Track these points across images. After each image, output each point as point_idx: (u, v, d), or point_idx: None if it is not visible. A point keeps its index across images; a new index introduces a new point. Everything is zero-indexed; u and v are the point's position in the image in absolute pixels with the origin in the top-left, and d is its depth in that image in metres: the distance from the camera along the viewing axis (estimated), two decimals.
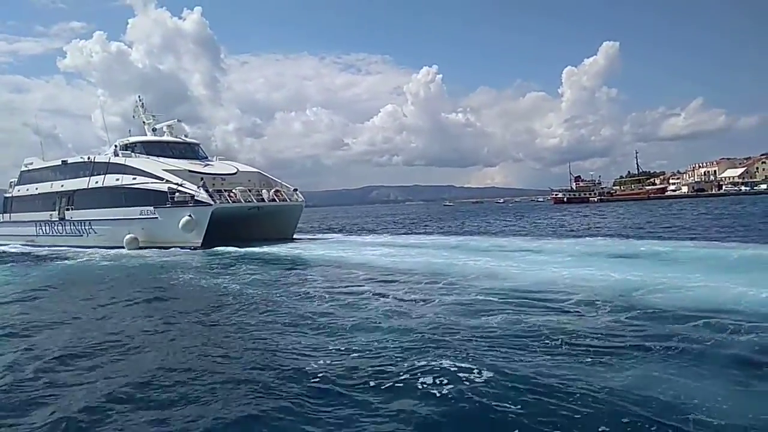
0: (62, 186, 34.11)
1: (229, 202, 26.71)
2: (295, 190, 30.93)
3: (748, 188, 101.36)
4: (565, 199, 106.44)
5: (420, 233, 34.91)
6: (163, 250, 25.33)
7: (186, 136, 34.86)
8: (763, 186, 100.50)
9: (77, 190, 32.67)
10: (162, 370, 6.95)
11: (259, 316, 10.27)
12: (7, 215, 39.89)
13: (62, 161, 35.49)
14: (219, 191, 27.42)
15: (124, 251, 26.57)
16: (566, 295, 10.36)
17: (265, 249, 23.92)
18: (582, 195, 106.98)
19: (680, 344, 6.83)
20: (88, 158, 32.89)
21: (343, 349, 7.46)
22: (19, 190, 39.04)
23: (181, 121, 35.63)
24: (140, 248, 27.18)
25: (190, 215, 25.85)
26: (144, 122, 34.97)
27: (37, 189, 36.76)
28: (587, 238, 23.49)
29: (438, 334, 7.97)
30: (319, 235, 33.79)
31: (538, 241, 22.53)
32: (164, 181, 27.25)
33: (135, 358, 7.74)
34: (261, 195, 28.90)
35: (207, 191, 26.24)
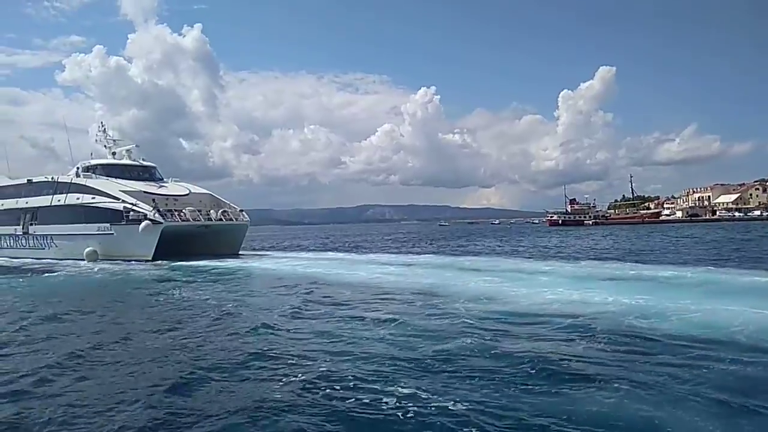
0: (27, 203, 36.42)
1: (179, 221, 29.84)
2: (241, 210, 34.33)
3: (741, 214, 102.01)
4: (560, 222, 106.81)
5: (410, 253, 35.25)
6: (122, 264, 27.81)
7: (143, 159, 38.00)
8: (757, 212, 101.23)
9: (41, 207, 35.01)
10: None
11: (207, 327, 10.99)
12: None
13: (27, 180, 37.64)
14: (170, 211, 30.43)
15: (89, 264, 28.77)
16: (556, 319, 10.36)
17: (212, 263, 26.68)
18: (577, 218, 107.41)
19: (666, 371, 6.81)
20: (52, 178, 35.60)
21: (300, 374, 7.24)
22: None
23: (139, 146, 39.15)
24: (98, 260, 29.91)
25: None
26: (105, 146, 37.85)
27: (3, 204, 38.76)
28: (584, 261, 23.94)
29: (404, 356, 7.99)
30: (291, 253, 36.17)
31: (530, 262, 22.98)
32: (120, 201, 30.25)
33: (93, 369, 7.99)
34: (209, 215, 32.11)
35: (158, 211, 29.27)
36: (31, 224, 35.77)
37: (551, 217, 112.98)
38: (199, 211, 31.93)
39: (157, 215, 28.94)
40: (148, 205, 29.72)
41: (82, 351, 8.86)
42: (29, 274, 24.56)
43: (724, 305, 10.76)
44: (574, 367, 7.21)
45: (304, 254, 34.61)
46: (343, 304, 13.19)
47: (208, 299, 14.90)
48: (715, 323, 9.33)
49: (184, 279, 20.82)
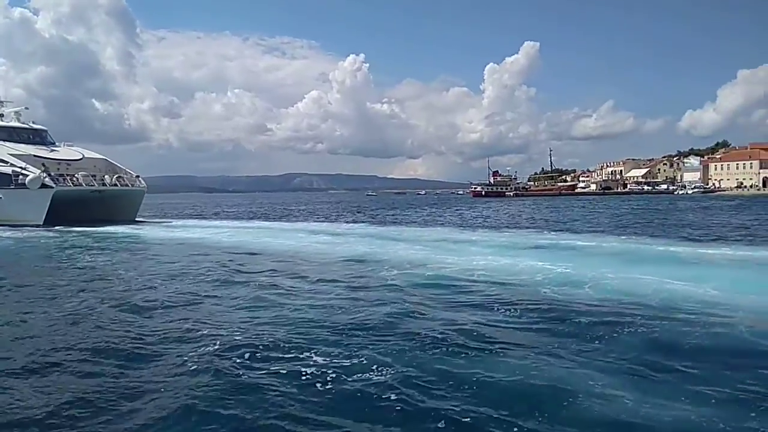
0: None
1: (71, 186, 29.30)
2: (137, 176, 33.88)
3: (650, 188, 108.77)
4: (483, 193, 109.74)
5: (338, 221, 35.25)
6: (29, 231, 26.21)
7: (33, 122, 36.72)
8: (664, 186, 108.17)
9: None
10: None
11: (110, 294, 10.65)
12: None
13: None
14: (62, 176, 29.77)
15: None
16: (480, 286, 10.58)
17: (106, 229, 26.56)
18: (499, 189, 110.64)
19: (582, 336, 6.99)
20: None
21: (214, 344, 6.96)
22: None
23: (28, 108, 37.97)
24: None
25: None
26: None
27: None
28: (507, 230, 24.56)
29: (327, 323, 7.95)
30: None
31: (456, 232, 23.61)
32: (9, 164, 29.51)
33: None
34: (104, 180, 31.51)
35: (50, 175, 28.60)
36: None
37: (475, 188, 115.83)
38: (93, 176, 31.19)
39: (47, 179, 28.32)
40: (38, 169, 29.05)
41: None
42: None
43: (639, 273, 11.14)
44: (493, 333, 7.34)
45: (230, 222, 33.83)
46: (267, 272, 12.99)
47: (121, 270, 14.27)
48: (629, 290, 9.64)
49: (91, 246, 19.96)
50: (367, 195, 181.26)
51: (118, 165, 34.58)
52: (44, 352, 6.89)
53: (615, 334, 7.15)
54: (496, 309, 8.80)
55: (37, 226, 27.90)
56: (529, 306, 8.88)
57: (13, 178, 28.89)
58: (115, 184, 31.98)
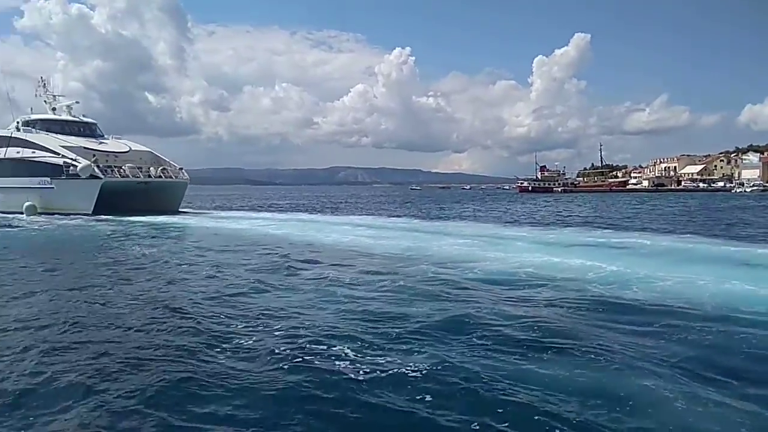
0: None
1: (118, 177, 30.66)
2: (181, 169, 35.08)
3: (705, 185, 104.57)
4: (530, 188, 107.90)
5: (383, 215, 35.26)
6: (79, 219, 27.83)
7: (84, 115, 38.21)
8: (720, 183, 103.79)
9: None
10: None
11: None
12: None
13: None
14: (110, 167, 31.21)
15: (29, 218, 29.18)
16: (526, 284, 10.35)
17: (154, 219, 27.41)
18: (547, 185, 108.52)
19: (633, 339, 6.73)
20: None
21: (258, 336, 7.05)
22: None
23: (79, 102, 39.45)
24: (38, 214, 30.39)
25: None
26: (45, 101, 37.78)
27: None
28: (554, 227, 23.97)
29: (367, 318, 7.88)
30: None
31: (501, 227, 23.31)
32: (60, 155, 30.84)
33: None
34: (149, 172, 32.81)
35: (98, 167, 30.00)
36: None
37: (522, 183, 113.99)
38: (139, 168, 32.55)
39: (97, 170, 29.69)
40: (88, 160, 30.39)
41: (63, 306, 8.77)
42: None
43: (694, 273, 10.62)
44: (538, 332, 7.11)
45: (276, 215, 34.31)
46: (310, 265, 13.08)
47: (168, 258, 14.77)
48: (683, 291, 9.23)
49: (144, 235, 20.60)
50: (411, 189, 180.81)
51: (163, 157, 35.74)
52: (113, 336, 7.15)
53: (668, 337, 6.87)
54: (541, 307, 8.58)
55: (87, 214, 29.26)
56: (576, 305, 8.61)
57: (65, 169, 30.23)
58: (160, 176, 33.15)
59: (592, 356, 6.14)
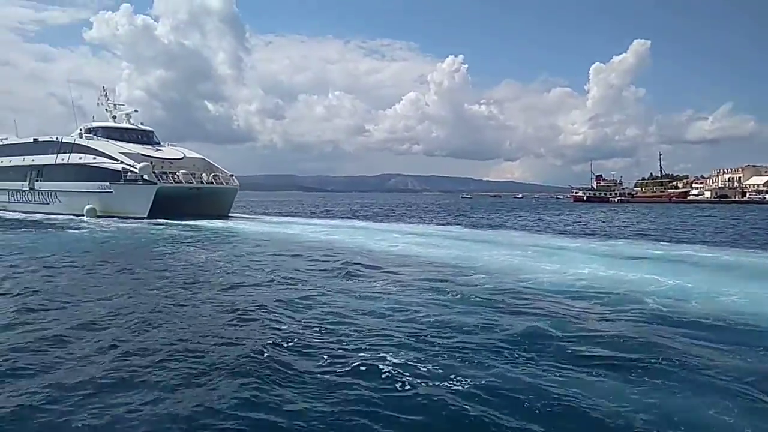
0: (33, 160, 38.76)
1: (172, 183, 31.83)
2: (232, 175, 36.39)
3: None
4: (585, 198, 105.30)
5: (433, 223, 35.13)
6: (134, 222, 28.93)
7: (142, 123, 40.24)
8: None
9: (46, 165, 37.48)
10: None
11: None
12: None
13: (34, 139, 39.96)
14: (165, 173, 32.45)
15: (90, 220, 30.93)
16: (581, 296, 10.01)
17: (212, 224, 28.39)
18: (602, 194, 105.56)
19: (692, 357, 6.36)
20: (56, 138, 37.85)
21: (300, 339, 7.13)
22: None
23: (138, 110, 41.65)
24: (98, 217, 31.91)
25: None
26: (106, 110, 40.14)
27: (10, 161, 41.15)
28: (611, 238, 23.30)
29: (413, 326, 7.79)
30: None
31: (555, 237, 22.84)
32: (119, 162, 32.43)
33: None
34: (201, 178, 34.04)
35: (154, 172, 31.44)
36: (37, 181, 38.14)
37: (576, 192, 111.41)
38: (192, 174, 33.75)
39: (152, 176, 31.10)
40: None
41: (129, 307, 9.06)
42: (44, 230, 25.06)
43: (761, 289, 10.10)
44: (588, 347, 6.80)
45: (326, 221, 34.74)
46: (358, 271, 13.09)
47: (220, 261, 15.27)
48: (749, 308, 8.75)
49: (200, 240, 21.16)
50: (462, 197, 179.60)
51: (215, 164, 37.10)
52: (177, 335, 7.37)
53: (733, 354, 6.54)
54: (594, 321, 8.25)
55: (142, 218, 30.62)
56: (634, 319, 8.27)
57: (123, 175, 31.81)
58: (211, 182, 34.45)
59: (653, 373, 5.88)
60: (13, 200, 40.71)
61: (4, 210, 39.78)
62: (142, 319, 8.24)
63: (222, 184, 35.25)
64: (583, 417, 4.83)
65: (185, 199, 33.17)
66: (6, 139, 44.21)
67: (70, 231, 24.66)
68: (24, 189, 39.25)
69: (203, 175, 34.62)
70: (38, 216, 34.23)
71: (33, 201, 38.51)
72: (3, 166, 42.07)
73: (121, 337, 7.26)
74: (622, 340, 7.13)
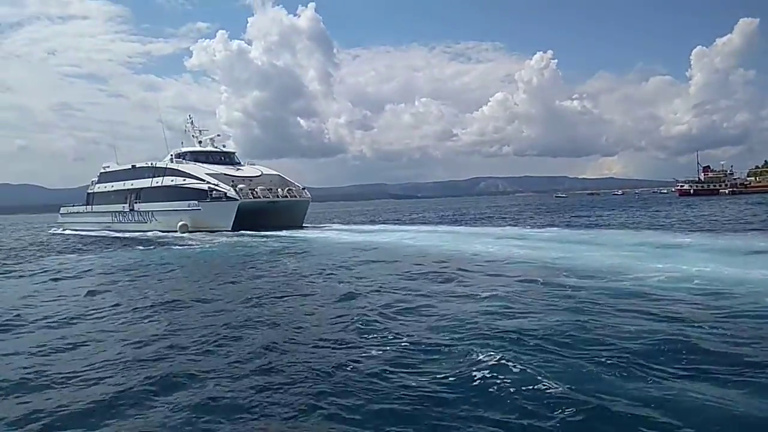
0: (132, 185, 43.68)
1: (251, 198, 35.14)
2: (304, 189, 39.67)
3: None
4: (691, 191, 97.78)
5: (527, 226, 33.95)
6: (234, 236, 31.39)
7: (224, 146, 44.99)
8: None
9: (143, 188, 42.13)
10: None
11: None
12: (89, 207, 51.08)
13: (132, 165, 45.29)
14: (243, 189, 35.62)
15: (184, 235, 34.31)
16: (695, 298, 9.18)
17: (306, 234, 31.29)
18: (711, 186, 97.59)
19: None
20: (151, 164, 42.66)
21: (392, 345, 7.19)
22: (98, 188, 49.73)
23: (220, 135, 46.28)
24: (189, 232, 35.52)
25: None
26: (193, 136, 44.46)
27: (113, 186, 46.61)
28: (725, 233, 21.36)
29: (510, 331, 7.50)
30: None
31: (660, 235, 21.28)
32: (205, 182, 36.11)
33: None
34: (277, 192, 37.34)
35: (236, 190, 34.77)
36: (136, 202, 42.77)
37: (681, 186, 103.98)
38: (269, 189, 37.14)
39: (234, 193, 34.57)
40: (228, 185, 35.40)
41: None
42: (156, 247, 26.85)
43: None
44: (703, 355, 6.19)
45: (421, 227, 34.81)
46: (449, 276, 13.01)
47: (301, 268, 16.21)
48: None
49: (298, 252, 21.59)
50: (557, 197, 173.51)
51: (289, 179, 40.39)
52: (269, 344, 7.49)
53: None
54: (710, 326, 7.40)
55: (227, 230, 33.96)
56: (755, 324, 7.48)
57: (209, 193, 35.40)
58: (286, 196, 37.57)
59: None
60: (116, 221, 45.61)
61: (108, 230, 44.75)
62: (280, 324, 8.87)
63: (295, 197, 38.39)
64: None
65: (263, 212, 36.07)
66: (108, 166, 49.80)
67: (176, 247, 26.14)
68: (125, 210, 43.95)
69: (278, 189, 37.80)
70: (136, 234, 38.29)
71: (133, 221, 43.13)
72: (106, 191, 47.70)
73: (225, 334, 8.07)
74: (740, 347, 6.46)
